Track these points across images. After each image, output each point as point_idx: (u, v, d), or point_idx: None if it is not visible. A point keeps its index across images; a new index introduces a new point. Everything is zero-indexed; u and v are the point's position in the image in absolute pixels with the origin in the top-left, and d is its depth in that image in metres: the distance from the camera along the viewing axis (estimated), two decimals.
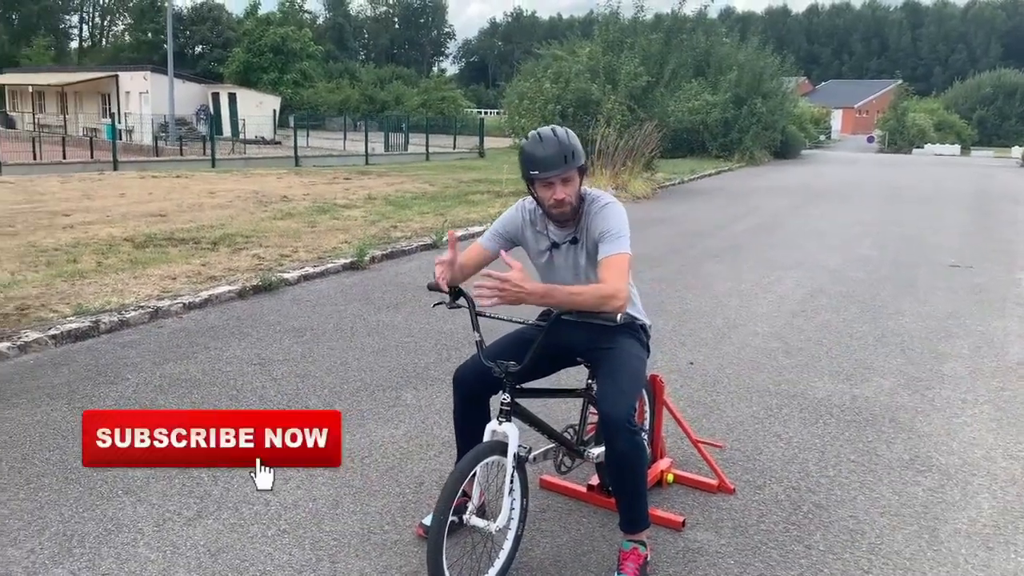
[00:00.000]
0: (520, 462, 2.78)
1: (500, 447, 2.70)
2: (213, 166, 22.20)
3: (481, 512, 2.80)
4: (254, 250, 8.81)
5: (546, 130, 2.84)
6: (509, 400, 2.74)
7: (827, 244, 10.78)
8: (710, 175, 22.82)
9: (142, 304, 6.22)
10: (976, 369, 5.46)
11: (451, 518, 2.57)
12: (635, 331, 3.03)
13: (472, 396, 2.97)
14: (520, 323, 2.84)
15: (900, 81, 54.00)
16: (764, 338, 6.10)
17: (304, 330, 5.90)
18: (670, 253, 9.72)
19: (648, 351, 3.11)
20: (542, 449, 3.12)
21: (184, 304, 6.33)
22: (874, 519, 3.39)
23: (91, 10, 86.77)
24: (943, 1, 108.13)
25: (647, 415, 3.56)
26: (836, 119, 65.20)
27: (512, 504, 2.75)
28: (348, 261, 8.21)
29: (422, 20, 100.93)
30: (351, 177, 19.00)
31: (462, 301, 2.85)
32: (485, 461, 2.68)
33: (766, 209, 14.90)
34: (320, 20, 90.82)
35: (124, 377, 4.81)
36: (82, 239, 9.29)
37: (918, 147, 45.42)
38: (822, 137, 51.66)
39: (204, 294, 6.61)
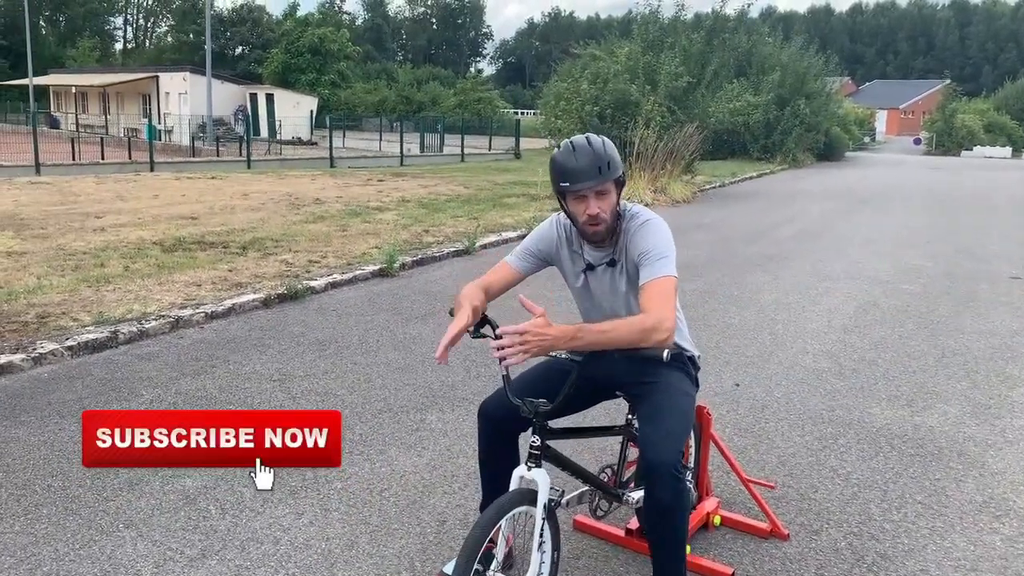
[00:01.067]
0: (551, 511, 2.47)
1: (529, 496, 2.40)
2: (248, 167, 22.22)
3: (508, 564, 2.50)
4: (283, 255, 8.62)
5: (579, 138, 2.54)
6: (539, 443, 2.43)
7: (877, 252, 10.30)
8: (752, 178, 22.28)
9: (164, 313, 6.03)
10: None
11: (475, 566, 2.28)
12: (682, 363, 2.71)
13: (499, 434, 2.67)
14: (551, 356, 2.53)
15: (948, 81, 52.38)
16: (814, 357, 5.72)
17: (328, 343, 5.66)
18: (711, 262, 9.33)
19: (697, 385, 2.79)
20: (576, 492, 2.82)
21: (206, 314, 6.13)
22: (947, 574, 3.03)
23: (135, 12, 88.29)
24: (993, 0, 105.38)
25: (692, 451, 3.23)
26: (881, 120, 63.85)
27: (542, 559, 2.45)
28: (377, 268, 7.97)
29: (460, 21, 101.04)
30: (385, 179, 18.84)
31: (487, 329, 2.55)
32: (512, 513, 2.38)
33: (811, 214, 14.39)
34: (359, 21, 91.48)
35: (139, 393, 4.60)
36: (112, 242, 9.19)
37: (967, 149, 44.08)
38: (866, 139, 50.52)
39: (228, 303, 6.41)
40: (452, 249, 9.34)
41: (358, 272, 7.75)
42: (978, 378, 5.33)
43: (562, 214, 2.75)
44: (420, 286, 7.65)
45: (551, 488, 2.44)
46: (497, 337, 2.32)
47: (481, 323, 2.57)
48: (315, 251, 8.88)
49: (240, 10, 73.73)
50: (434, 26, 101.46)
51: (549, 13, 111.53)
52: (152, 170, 20.53)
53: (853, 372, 5.39)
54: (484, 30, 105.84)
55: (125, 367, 5.05)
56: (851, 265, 9.34)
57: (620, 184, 2.57)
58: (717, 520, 3.29)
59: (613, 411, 4.28)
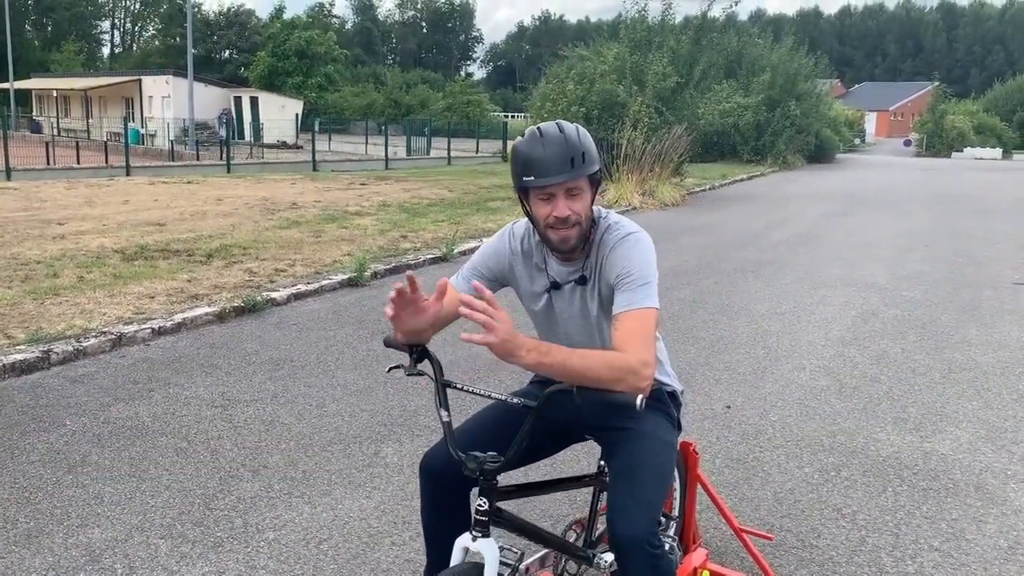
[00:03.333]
0: None
1: (475, 572, 1.95)
2: (228, 171, 21.69)
3: None
4: (248, 264, 8.14)
5: (548, 125, 2.07)
6: (487, 507, 1.97)
7: (873, 257, 9.88)
8: (742, 180, 21.89)
9: (106, 329, 5.54)
10: None
11: None
12: (662, 403, 2.26)
13: (445, 494, 2.20)
14: (501, 398, 2.05)
15: (936, 83, 52.21)
16: (812, 374, 5.28)
17: (282, 362, 5.18)
18: (701, 267, 8.90)
19: (679, 428, 2.34)
20: (538, 555, 2.35)
21: (153, 329, 5.64)
22: None
23: (122, 16, 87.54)
24: (980, 2, 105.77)
25: (676, 496, 2.78)
26: (870, 122, 63.71)
27: None
28: (346, 277, 7.50)
29: (450, 24, 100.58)
30: (368, 183, 18.36)
31: (426, 366, 2.09)
32: None
33: (804, 217, 13.99)
34: (349, 25, 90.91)
35: (62, 423, 4.12)
36: (70, 250, 8.69)
37: (957, 151, 43.87)
38: (857, 141, 50.32)
39: (179, 317, 5.93)
40: (429, 256, 8.88)
41: (325, 282, 7.28)
42: (990, 396, 4.90)
43: (516, 223, 2.29)
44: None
45: (501, 561, 1.98)
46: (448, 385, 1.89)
47: (420, 356, 2.11)
48: (283, 259, 8.40)
49: (227, 13, 73.17)
50: (424, 29, 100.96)
51: (539, 16, 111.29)
52: (128, 174, 19.99)
53: (854, 391, 4.95)
54: (474, 34, 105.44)
55: (53, 391, 4.56)
56: (847, 271, 8.92)
57: (596, 183, 2.10)
58: (706, 575, 2.84)
59: (583, 454, 3.83)
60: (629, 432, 2.13)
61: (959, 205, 16.65)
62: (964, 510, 3.44)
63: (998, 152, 43.92)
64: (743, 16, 31.22)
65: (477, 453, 1.96)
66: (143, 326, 5.65)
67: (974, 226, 13.14)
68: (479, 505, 1.98)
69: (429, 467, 2.20)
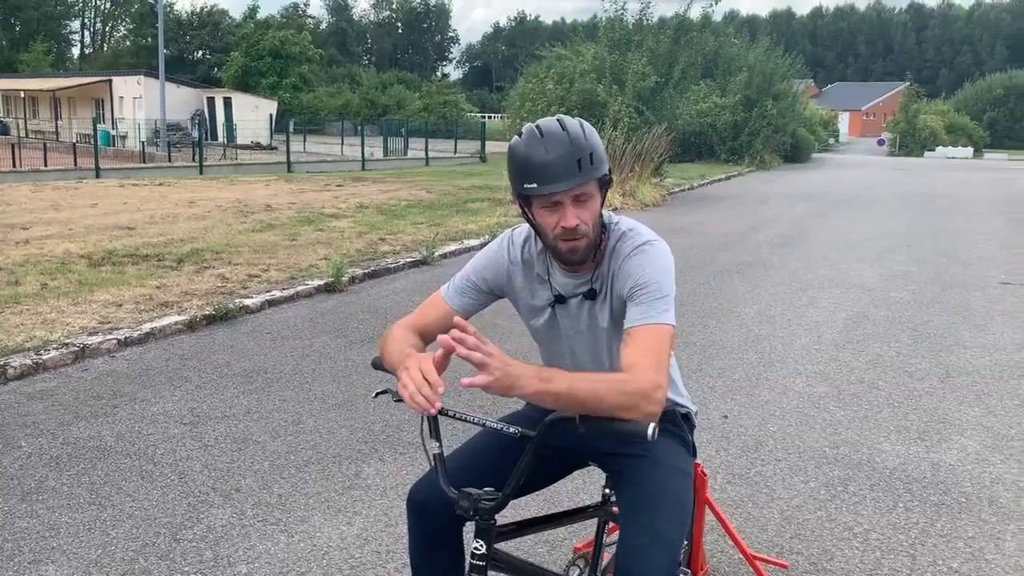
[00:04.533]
0: None
1: None
2: (201, 173, 21.26)
3: None
4: (221, 269, 7.85)
5: (549, 121, 1.81)
6: (484, 550, 1.75)
7: (859, 257, 9.77)
8: (721, 180, 21.81)
9: (68, 341, 5.24)
10: None
11: None
12: (675, 426, 2.04)
13: (435, 532, 1.96)
14: (496, 427, 1.82)
15: (908, 83, 52.73)
16: (808, 379, 5.10)
17: (256, 374, 4.92)
18: (686, 269, 8.72)
19: (694, 453, 2.12)
20: None
21: (119, 340, 5.35)
22: None
23: (92, 16, 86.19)
24: (948, 3, 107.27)
25: None
26: (844, 122, 64.16)
27: None
28: (323, 282, 7.23)
29: (425, 25, 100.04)
30: (344, 184, 18.05)
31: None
32: None
33: (786, 217, 13.89)
34: (323, 25, 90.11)
35: (17, 444, 3.83)
36: (33, 256, 8.34)
37: (929, 150, 44.28)
38: (831, 140, 50.64)
39: (146, 326, 5.64)
40: (409, 259, 8.63)
41: (300, 288, 7.01)
42: (991, 402, 4.75)
43: (516, 230, 2.06)
44: (370, 302, 6.93)
45: None
46: (441, 412, 1.66)
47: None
48: (257, 264, 8.11)
49: (200, 13, 72.18)
50: (399, 30, 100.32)
51: (515, 17, 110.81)
52: (97, 177, 19.50)
53: (853, 398, 4.78)
54: (450, 34, 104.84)
55: (9, 409, 4.27)
56: (834, 272, 8.79)
57: (605, 185, 1.87)
58: None
59: (583, 479, 3.64)
60: (640, 460, 1.91)
61: (937, 204, 16.67)
62: (980, 527, 3.27)
63: (969, 151, 44.39)
64: (717, 17, 31.08)
65: (471, 490, 1.73)
66: (108, 336, 5.36)
67: (954, 225, 13.11)
68: (475, 548, 1.76)
69: (417, 502, 1.96)
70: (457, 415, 1.80)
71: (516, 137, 1.84)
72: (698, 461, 2.56)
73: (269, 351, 5.40)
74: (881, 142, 50.53)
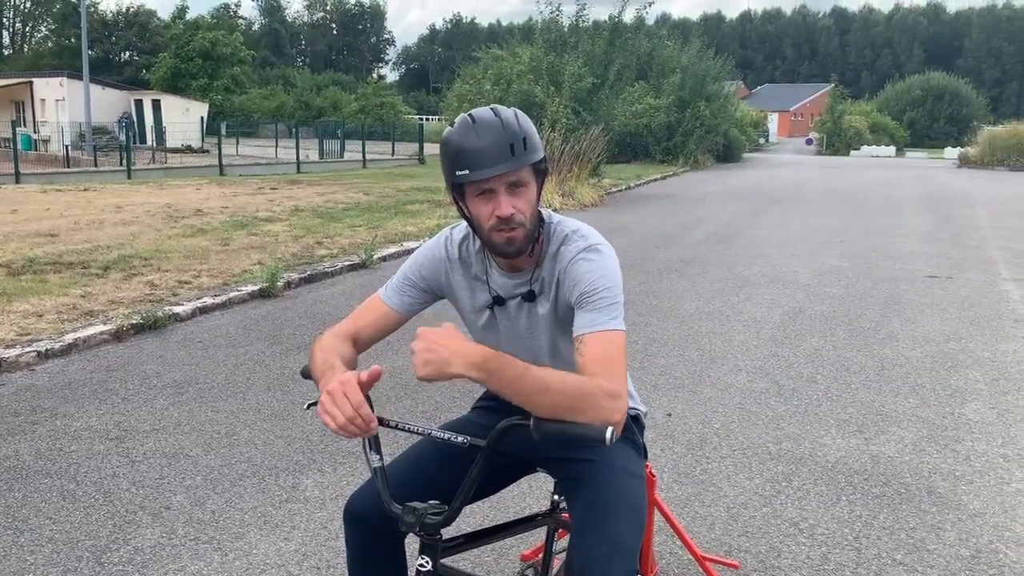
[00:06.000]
0: None
1: None
2: (129, 177, 20.58)
3: None
4: (149, 275, 7.55)
5: (483, 110, 1.75)
6: (429, 567, 1.66)
7: (793, 254, 9.96)
8: (657, 180, 22.09)
9: None
10: (1004, 411, 4.58)
11: None
12: (627, 428, 1.99)
13: (375, 543, 1.86)
14: (442, 437, 1.73)
15: (833, 85, 54.32)
16: (749, 375, 5.15)
17: (187, 384, 4.72)
18: (626, 268, 8.67)
19: (645, 455, 2.07)
20: None
21: (39, 352, 5.08)
22: None
23: (11, 16, 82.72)
24: (868, 7, 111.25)
25: None
26: (773, 122, 65.75)
27: None
28: (257, 288, 7.02)
29: (360, 26, 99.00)
30: (279, 187, 17.67)
31: None
32: None
33: (720, 216, 14.10)
34: (256, 26, 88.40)
35: None
36: None
37: (855, 149, 45.70)
38: (761, 140, 51.84)
39: (69, 337, 5.37)
40: (347, 263, 8.45)
41: (234, 294, 6.78)
42: (925, 393, 4.86)
43: (457, 227, 1.98)
44: (306, 308, 6.75)
45: None
46: (379, 422, 1.56)
47: None
48: (188, 270, 7.84)
49: (126, 13, 70.01)
50: (334, 31, 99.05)
51: (451, 19, 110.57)
52: (18, 182, 18.70)
53: (793, 392, 4.83)
54: (385, 36, 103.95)
55: None
56: (769, 268, 8.94)
57: (541, 173, 1.80)
58: None
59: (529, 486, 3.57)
60: (593, 465, 1.85)
61: (866, 201, 17.15)
62: (921, 518, 3.31)
63: (892, 150, 45.97)
64: (651, 20, 31.53)
65: (416, 504, 1.64)
66: (27, 349, 5.08)
67: (883, 222, 13.50)
68: (420, 566, 1.67)
69: (355, 514, 1.86)
70: (399, 426, 1.70)
71: (449, 127, 1.77)
72: (648, 462, 2.52)
73: (201, 360, 5.19)
74: (809, 142, 51.93)
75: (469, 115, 1.74)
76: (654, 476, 2.52)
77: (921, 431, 4.25)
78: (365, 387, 1.58)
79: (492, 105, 1.78)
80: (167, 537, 3.02)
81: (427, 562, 1.66)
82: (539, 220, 1.83)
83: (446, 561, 1.76)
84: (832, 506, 3.40)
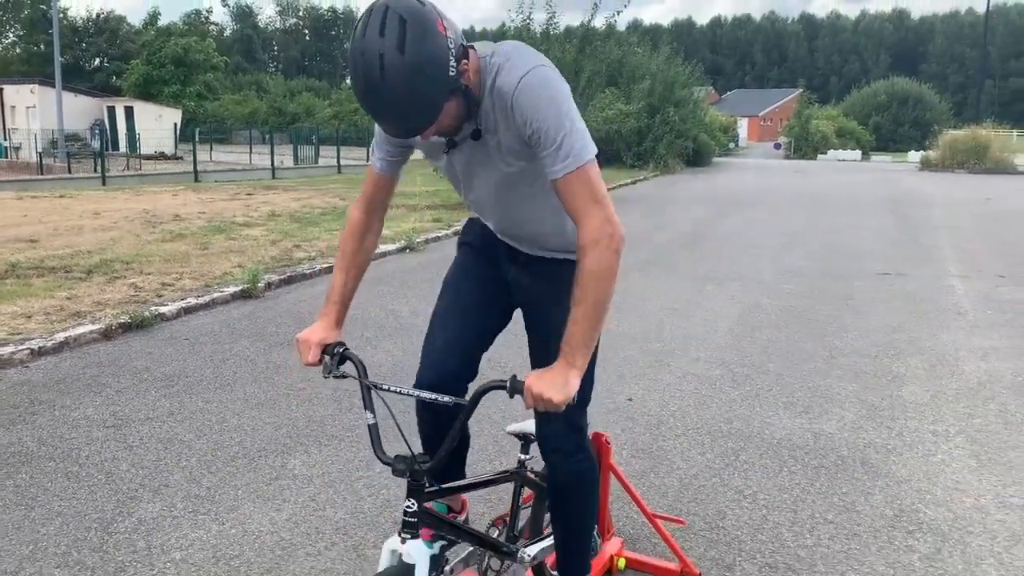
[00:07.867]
0: None
1: (405, 574, 1.94)
2: (104, 184, 20.61)
3: None
4: (132, 279, 7.77)
5: (357, 58, 1.69)
6: (415, 508, 1.96)
7: (755, 255, 10.38)
8: (627, 184, 22.52)
9: None
10: (938, 393, 4.98)
11: None
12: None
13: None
14: (430, 397, 2.01)
15: (801, 90, 55.40)
16: (706, 364, 5.50)
17: (176, 378, 4.98)
18: None
19: None
20: (462, 555, 2.37)
21: (32, 350, 5.31)
22: None
23: None
24: (836, 14, 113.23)
25: None
26: (742, 127, 66.73)
27: None
28: (238, 289, 7.27)
29: (333, 32, 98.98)
30: (254, 192, 17.85)
31: (348, 367, 2.07)
32: None
33: (687, 219, 14.53)
34: (227, 32, 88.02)
35: None
36: None
37: (822, 153, 46.59)
38: (731, 145, 52.62)
39: (60, 336, 5.60)
40: (325, 265, 8.71)
41: (216, 295, 7.03)
42: (867, 379, 5.24)
43: None
44: (287, 307, 7.01)
45: (432, 556, 1.99)
46: (373, 386, 1.91)
47: (341, 359, 2.09)
48: (169, 273, 8.06)
49: (97, 20, 69.44)
50: (307, 37, 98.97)
51: None
52: None
53: (746, 379, 5.19)
54: None
55: None
56: (732, 268, 9.33)
57: (455, 92, 1.77)
58: (622, 563, 2.92)
59: (500, 451, 3.87)
60: (557, 311, 2.00)
61: (830, 204, 17.68)
62: (853, 484, 3.67)
63: (858, 154, 46.93)
64: (621, 26, 32.20)
65: (406, 454, 1.95)
66: (20, 347, 5.31)
67: (844, 223, 13.99)
68: (407, 507, 1.97)
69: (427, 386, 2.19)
70: (391, 388, 2.00)
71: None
72: (602, 432, 2.85)
73: (189, 356, 5.45)
74: (778, 146, 52.82)
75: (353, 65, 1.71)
76: (609, 444, 2.86)
77: (861, 411, 4.63)
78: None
79: (362, 47, 1.67)
80: (168, 510, 3.29)
81: (413, 504, 1.96)
82: (467, 95, 1.84)
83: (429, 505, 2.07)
84: (774, 476, 3.75)
